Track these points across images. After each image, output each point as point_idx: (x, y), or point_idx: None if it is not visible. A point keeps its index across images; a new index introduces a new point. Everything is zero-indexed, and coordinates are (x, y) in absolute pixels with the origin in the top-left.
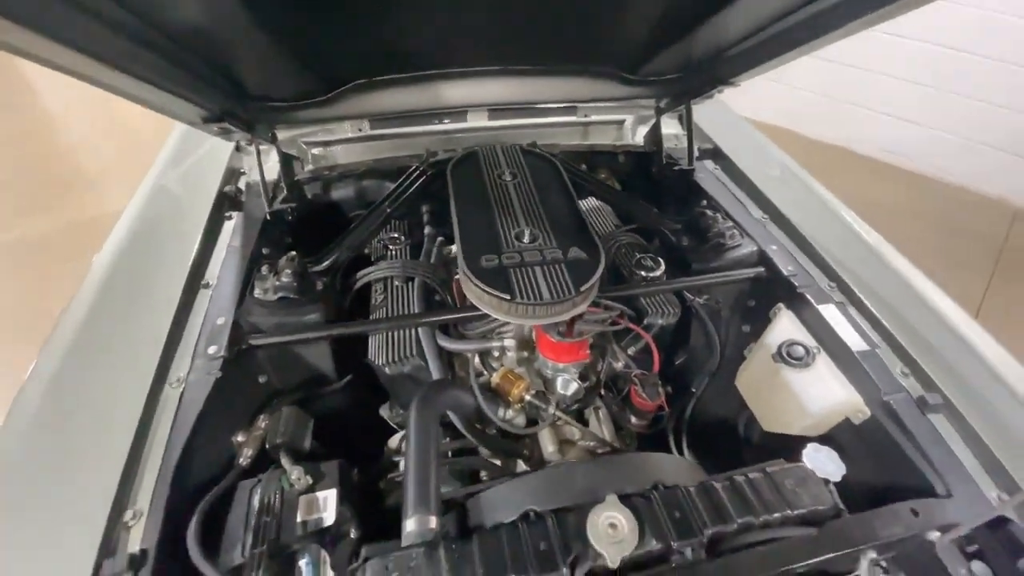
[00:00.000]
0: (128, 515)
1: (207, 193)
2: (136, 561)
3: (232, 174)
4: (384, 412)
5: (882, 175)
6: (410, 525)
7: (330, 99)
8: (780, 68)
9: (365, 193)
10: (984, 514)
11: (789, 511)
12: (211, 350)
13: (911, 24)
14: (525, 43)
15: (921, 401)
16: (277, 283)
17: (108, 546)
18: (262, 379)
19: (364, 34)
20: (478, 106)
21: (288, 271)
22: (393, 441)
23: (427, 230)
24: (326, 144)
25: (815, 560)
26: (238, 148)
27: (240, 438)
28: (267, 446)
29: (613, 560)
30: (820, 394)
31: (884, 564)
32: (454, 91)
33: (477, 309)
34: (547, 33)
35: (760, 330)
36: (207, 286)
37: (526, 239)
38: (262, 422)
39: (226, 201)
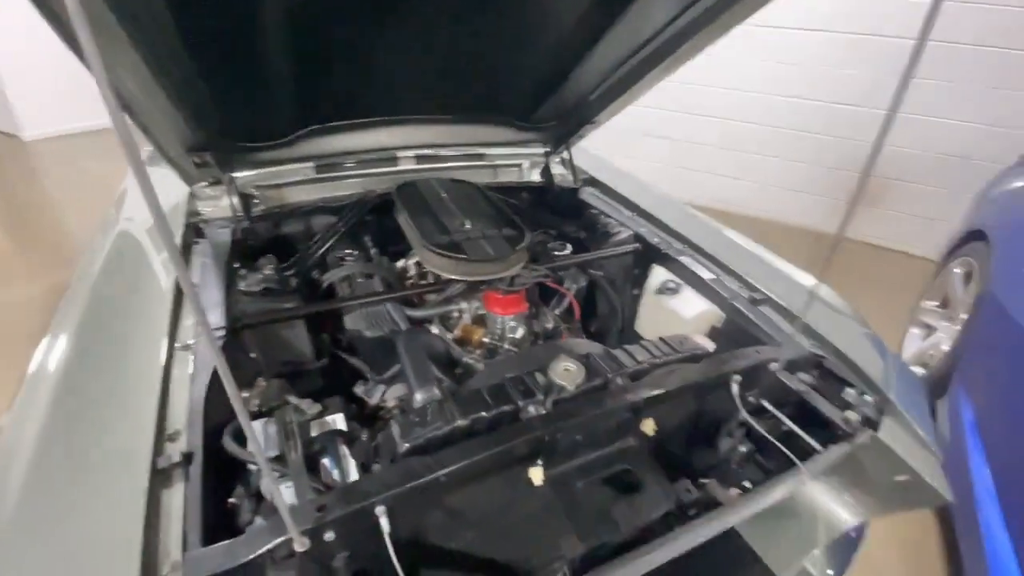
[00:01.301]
0: (169, 431)
1: (174, 225)
2: (187, 457)
3: (191, 214)
4: (359, 389)
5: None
6: (419, 397)
7: (288, 142)
8: (634, 147)
9: (312, 227)
10: (801, 352)
11: (680, 353)
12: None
13: (717, 106)
14: (444, 96)
15: (752, 300)
16: (260, 277)
17: (159, 450)
18: (253, 355)
19: (322, 86)
20: (407, 147)
21: (269, 267)
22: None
23: (372, 251)
24: (277, 187)
25: (700, 378)
26: (192, 194)
27: (245, 393)
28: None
29: (570, 387)
30: (690, 308)
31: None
32: (387, 135)
33: (435, 288)
34: (460, 88)
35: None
36: (195, 284)
37: (468, 225)
38: (260, 383)
39: (192, 230)
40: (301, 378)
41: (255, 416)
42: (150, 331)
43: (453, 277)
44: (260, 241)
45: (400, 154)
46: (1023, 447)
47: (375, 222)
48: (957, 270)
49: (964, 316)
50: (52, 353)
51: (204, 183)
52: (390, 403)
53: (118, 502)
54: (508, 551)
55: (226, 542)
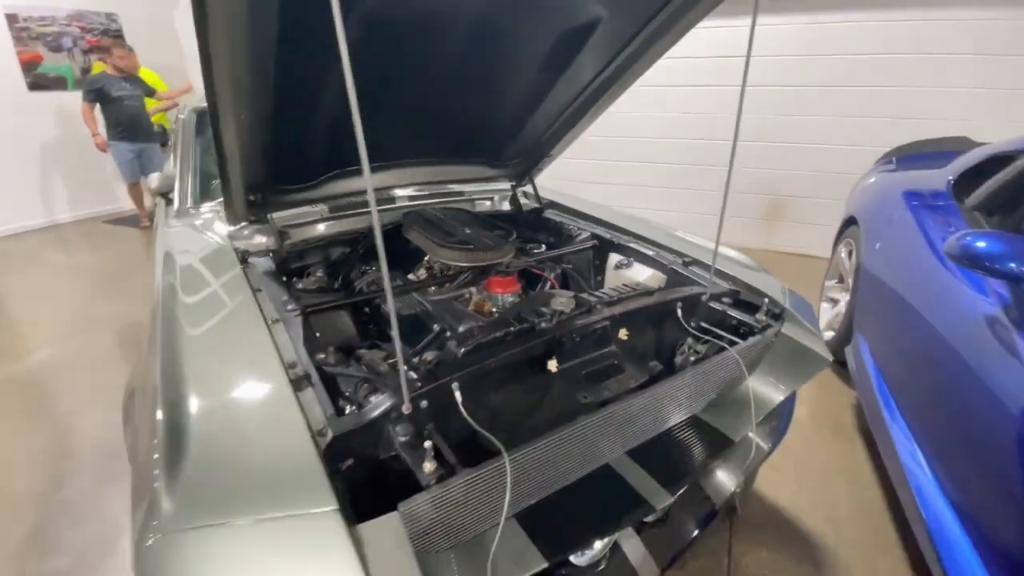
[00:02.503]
0: (287, 362)
1: (227, 257)
2: (307, 375)
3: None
4: None
5: None
6: (461, 328)
7: (315, 184)
8: (582, 192)
9: (331, 255)
10: (721, 288)
11: (638, 291)
12: (288, 308)
13: (645, 153)
14: (432, 144)
15: (683, 263)
16: (313, 279)
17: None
18: (317, 334)
19: (346, 138)
20: (404, 185)
21: (319, 272)
22: None
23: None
24: (299, 225)
25: (652, 302)
26: (230, 236)
27: (321, 355)
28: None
29: (567, 310)
30: (641, 275)
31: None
32: (387, 177)
33: (449, 278)
34: (444, 138)
35: (605, 280)
36: (259, 290)
37: (468, 231)
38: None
39: (240, 256)
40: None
41: (328, 374)
42: (246, 314)
43: (464, 264)
44: (293, 267)
45: (396, 192)
46: (897, 360)
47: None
48: (843, 250)
49: (851, 283)
50: (175, 334)
51: (243, 224)
52: None
53: (273, 397)
54: (537, 411)
55: (354, 411)
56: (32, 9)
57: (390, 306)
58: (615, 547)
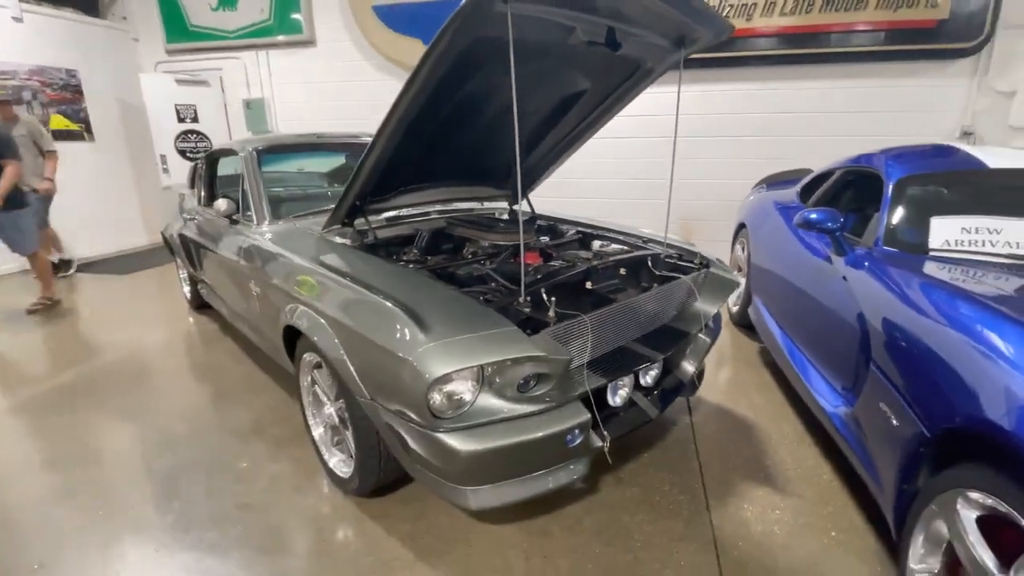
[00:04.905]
0: None
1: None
2: None
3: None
4: None
5: None
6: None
7: (393, 195)
8: None
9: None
10: (671, 252)
11: (626, 251)
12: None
13: (599, 189)
14: (461, 171)
15: (644, 240)
16: (414, 253)
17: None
18: None
19: (413, 167)
20: (434, 202)
21: (414, 252)
22: None
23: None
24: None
25: (635, 254)
26: (320, 236)
27: None
28: None
29: (590, 258)
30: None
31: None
32: (428, 194)
33: (494, 255)
34: (470, 167)
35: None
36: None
37: (502, 224)
38: None
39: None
40: None
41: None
42: (392, 267)
43: (509, 243)
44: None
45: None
46: (778, 303)
47: (431, 243)
48: (738, 248)
49: (746, 268)
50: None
51: (334, 227)
52: None
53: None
54: (585, 306)
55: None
56: None
57: (521, 257)
58: (631, 401)
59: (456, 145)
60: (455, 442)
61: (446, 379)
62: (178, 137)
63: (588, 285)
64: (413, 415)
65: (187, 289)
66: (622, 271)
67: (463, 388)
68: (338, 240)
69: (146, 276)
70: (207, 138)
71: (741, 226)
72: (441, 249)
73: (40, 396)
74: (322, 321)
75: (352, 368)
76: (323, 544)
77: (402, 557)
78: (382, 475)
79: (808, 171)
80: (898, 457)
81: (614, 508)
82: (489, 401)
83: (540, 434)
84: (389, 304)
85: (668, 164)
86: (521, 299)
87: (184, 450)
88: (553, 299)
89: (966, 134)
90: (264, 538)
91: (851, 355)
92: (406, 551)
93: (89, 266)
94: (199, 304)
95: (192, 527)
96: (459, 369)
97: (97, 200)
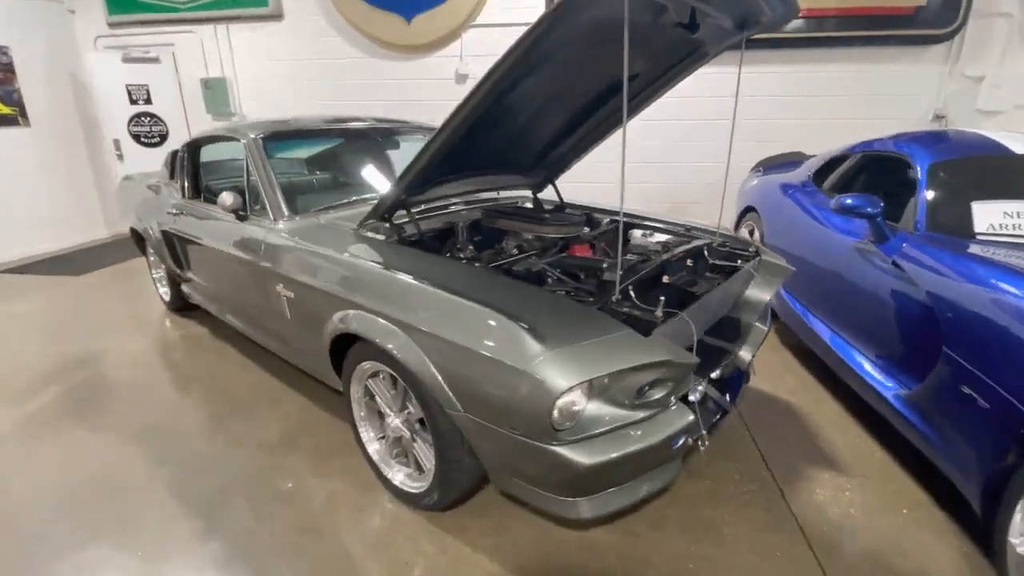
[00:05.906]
0: None
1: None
2: None
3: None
4: None
5: None
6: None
7: (424, 190)
8: None
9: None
10: (720, 240)
11: (687, 244)
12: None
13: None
14: (492, 163)
15: (687, 228)
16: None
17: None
18: None
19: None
20: (467, 192)
21: (469, 249)
22: None
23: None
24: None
25: (695, 244)
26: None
27: None
28: None
29: (661, 251)
30: (660, 238)
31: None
32: (459, 185)
33: (540, 249)
34: (503, 159)
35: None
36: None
37: (546, 215)
38: None
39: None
40: None
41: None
42: (453, 264)
43: (556, 236)
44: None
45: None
46: (801, 284)
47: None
48: (744, 230)
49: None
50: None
51: (371, 221)
52: None
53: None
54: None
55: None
56: None
57: (619, 251)
58: (705, 396)
59: (495, 134)
60: (575, 455)
61: (569, 391)
62: (131, 120)
63: (665, 279)
64: (525, 428)
65: (164, 290)
66: (689, 262)
67: (579, 398)
68: (371, 235)
69: (105, 275)
70: (162, 121)
71: (748, 209)
72: (479, 243)
73: (21, 419)
74: (395, 329)
75: (442, 379)
76: (405, 568)
77: (496, 574)
78: (465, 489)
79: (800, 154)
80: (988, 437)
81: (694, 502)
82: (601, 409)
83: (655, 440)
84: (488, 309)
85: (658, 149)
86: (615, 297)
87: (214, 472)
88: (662, 298)
89: (938, 117)
90: (342, 566)
91: (912, 339)
92: (497, 567)
93: (31, 267)
94: (180, 306)
95: (251, 556)
96: (588, 380)
97: (36, 192)
